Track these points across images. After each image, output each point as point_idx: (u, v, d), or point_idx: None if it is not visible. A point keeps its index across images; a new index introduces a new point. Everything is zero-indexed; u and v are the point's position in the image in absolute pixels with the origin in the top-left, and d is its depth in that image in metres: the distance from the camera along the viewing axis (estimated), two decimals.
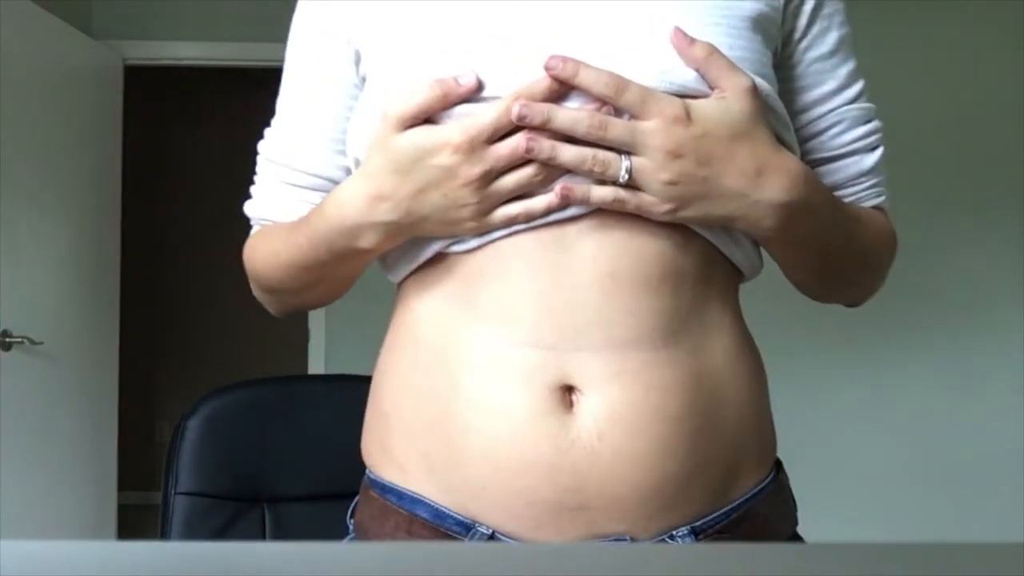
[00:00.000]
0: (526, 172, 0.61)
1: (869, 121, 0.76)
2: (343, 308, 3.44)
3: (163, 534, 1.06)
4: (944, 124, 3.14)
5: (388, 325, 0.81)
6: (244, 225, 0.88)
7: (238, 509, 1.10)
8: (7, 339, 2.51)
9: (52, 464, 2.75)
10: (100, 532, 3.05)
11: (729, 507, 0.66)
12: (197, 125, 4.83)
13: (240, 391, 1.15)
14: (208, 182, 4.81)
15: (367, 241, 0.67)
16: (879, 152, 0.76)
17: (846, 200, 0.75)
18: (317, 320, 3.33)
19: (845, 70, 0.74)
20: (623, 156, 0.60)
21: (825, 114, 0.74)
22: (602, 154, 0.60)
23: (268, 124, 0.86)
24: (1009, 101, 3.16)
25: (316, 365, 3.30)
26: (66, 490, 2.84)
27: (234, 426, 1.12)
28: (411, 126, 0.62)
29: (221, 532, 1.07)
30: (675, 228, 0.63)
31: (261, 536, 1.10)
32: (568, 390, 0.62)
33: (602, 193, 0.60)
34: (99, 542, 0.29)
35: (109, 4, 3.36)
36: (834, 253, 0.73)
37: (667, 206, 0.60)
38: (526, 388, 0.62)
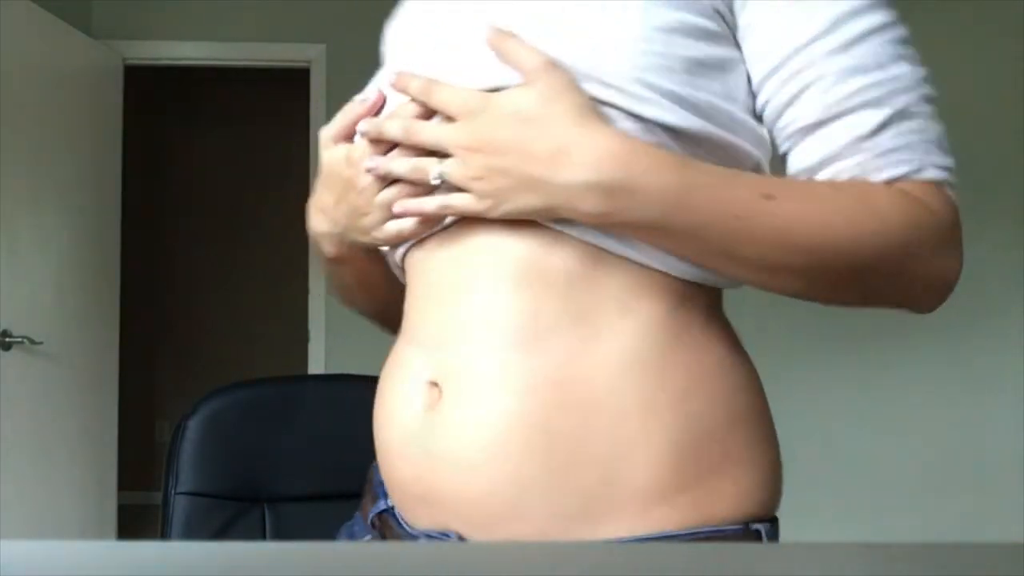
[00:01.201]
0: (393, 187, 0.64)
1: (870, 72, 0.60)
2: (343, 308, 3.44)
3: (163, 534, 1.06)
4: (944, 124, 3.13)
5: None
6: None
7: (238, 509, 1.10)
8: (7, 339, 2.51)
9: (52, 464, 2.75)
10: (100, 532, 3.05)
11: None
12: (197, 125, 4.83)
13: (240, 391, 1.15)
14: (208, 182, 4.82)
15: (327, 249, 0.74)
16: (886, 111, 0.60)
17: (847, 175, 0.61)
18: (317, 320, 3.33)
19: (828, 10, 0.60)
20: (440, 160, 0.60)
21: (800, 66, 0.61)
22: (419, 161, 0.61)
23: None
24: (1009, 101, 3.16)
25: (316, 365, 3.30)
26: (66, 490, 2.84)
27: (234, 426, 1.12)
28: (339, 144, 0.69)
29: (221, 532, 1.07)
30: (539, 228, 0.61)
31: (261, 536, 1.10)
32: (436, 386, 0.64)
33: (429, 204, 0.62)
34: (99, 542, 0.29)
35: (109, 4, 3.36)
36: (751, 243, 0.58)
37: (485, 203, 0.59)
38: (409, 384, 0.66)
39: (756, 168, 0.64)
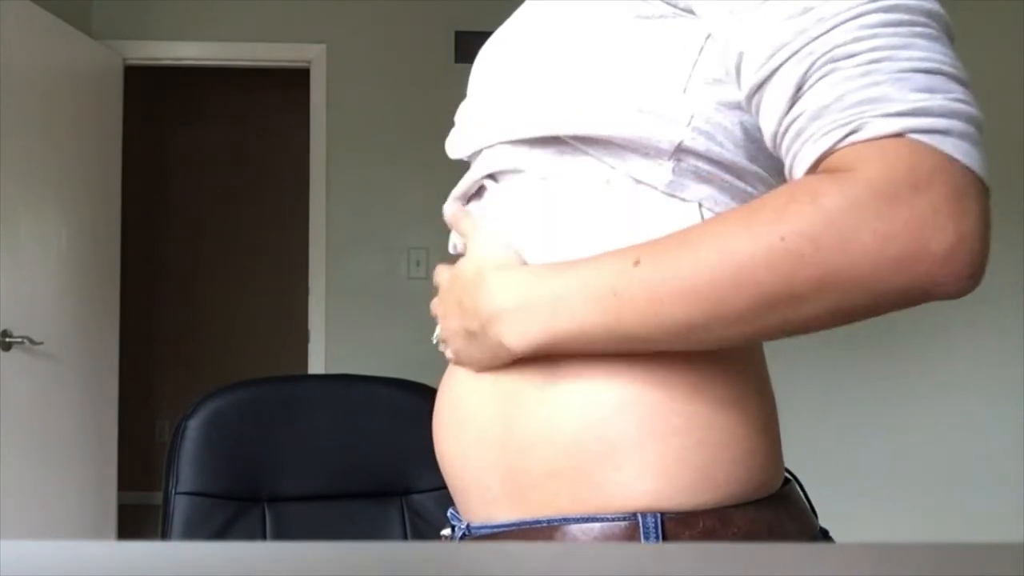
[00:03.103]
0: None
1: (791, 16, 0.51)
2: (343, 308, 3.46)
3: (163, 534, 1.06)
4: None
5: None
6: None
7: (238, 509, 1.10)
8: (7, 339, 2.51)
9: (52, 464, 2.75)
10: (100, 532, 3.05)
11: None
12: (197, 125, 4.83)
13: (240, 391, 1.15)
14: (208, 182, 4.82)
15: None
16: (805, 62, 0.50)
17: (787, 157, 0.53)
18: (317, 320, 3.33)
19: None
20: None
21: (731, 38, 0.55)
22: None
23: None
24: (1009, 101, 3.16)
25: (316, 365, 3.30)
26: (66, 490, 2.84)
27: (234, 426, 1.12)
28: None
29: (221, 532, 1.07)
30: None
31: (261, 536, 1.10)
32: None
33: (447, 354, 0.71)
34: (99, 542, 0.29)
35: (109, 4, 3.36)
36: (649, 313, 0.54)
37: (456, 357, 0.67)
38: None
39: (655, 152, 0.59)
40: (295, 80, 3.58)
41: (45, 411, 2.72)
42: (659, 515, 0.58)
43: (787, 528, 0.61)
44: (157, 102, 4.74)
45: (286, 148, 4.63)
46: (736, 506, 0.59)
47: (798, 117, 0.51)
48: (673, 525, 0.58)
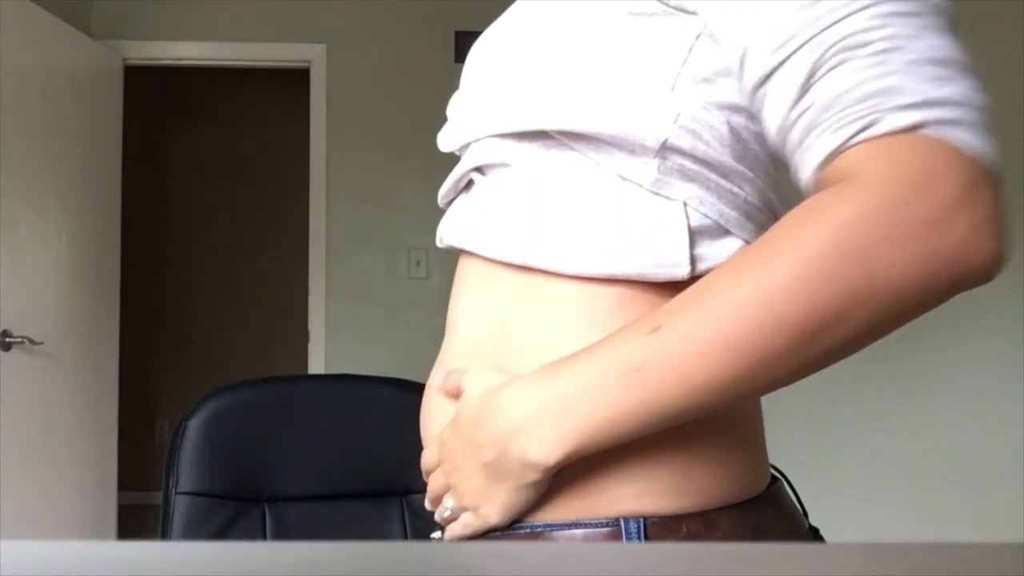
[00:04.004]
0: None
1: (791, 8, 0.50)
2: (343, 308, 3.46)
3: (163, 534, 1.06)
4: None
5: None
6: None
7: (238, 509, 1.10)
8: (7, 339, 2.51)
9: (52, 464, 2.75)
10: (100, 532, 3.05)
11: None
12: (197, 125, 4.83)
13: (240, 391, 1.15)
14: (208, 182, 4.82)
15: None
16: (813, 55, 0.49)
17: (796, 150, 0.52)
18: (317, 320, 3.33)
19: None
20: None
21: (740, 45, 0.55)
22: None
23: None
24: (1008, 101, 3.16)
25: (316, 365, 3.30)
26: (66, 490, 2.84)
27: (234, 426, 1.12)
28: None
29: (221, 532, 1.07)
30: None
31: (261, 536, 1.10)
32: None
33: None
34: (99, 542, 0.29)
35: (109, 4, 3.36)
36: (678, 381, 0.51)
37: (475, 521, 0.61)
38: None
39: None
40: (295, 80, 3.58)
41: (45, 411, 2.72)
42: (642, 520, 0.57)
43: (773, 529, 0.60)
44: (157, 102, 4.74)
45: (286, 148, 4.63)
46: (719, 509, 0.58)
47: (809, 108, 0.50)
48: (656, 530, 0.57)
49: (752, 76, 0.54)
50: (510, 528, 0.60)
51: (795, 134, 0.52)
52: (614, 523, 0.57)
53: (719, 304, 0.50)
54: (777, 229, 0.50)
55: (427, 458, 0.65)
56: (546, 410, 0.54)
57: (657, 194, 0.58)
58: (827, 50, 0.49)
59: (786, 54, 0.51)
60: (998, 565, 0.29)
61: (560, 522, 0.58)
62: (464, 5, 3.29)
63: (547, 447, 0.54)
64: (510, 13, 0.68)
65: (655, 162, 0.58)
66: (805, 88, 0.50)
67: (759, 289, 0.49)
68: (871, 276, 0.47)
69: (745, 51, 0.54)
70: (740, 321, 0.49)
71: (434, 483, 0.63)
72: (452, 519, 0.62)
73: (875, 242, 0.47)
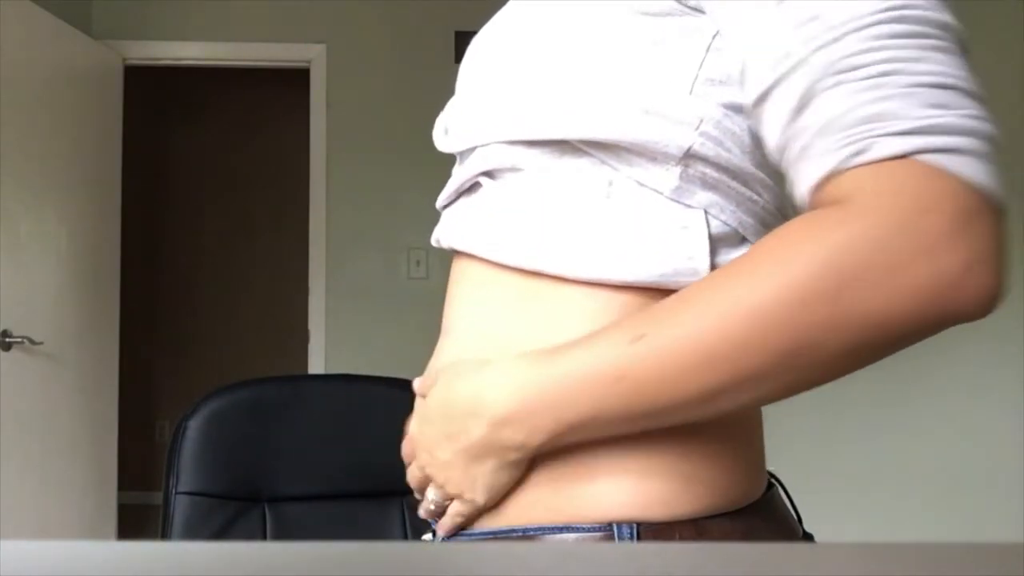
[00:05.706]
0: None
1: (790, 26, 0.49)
2: (343, 308, 3.46)
3: (163, 534, 1.06)
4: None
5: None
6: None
7: (238, 509, 1.10)
8: (7, 339, 2.51)
9: (52, 464, 2.75)
10: (100, 532, 3.05)
11: None
12: (197, 125, 4.83)
13: (240, 391, 1.15)
14: (208, 182, 4.82)
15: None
16: (805, 80, 0.48)
17: (789, 172, 0.52)
18: (317, 320, 3.33)
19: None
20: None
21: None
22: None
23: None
24: (1008, 101, 3.16)
25: (316, 365, 3.30)
26: (66, 490, 2.84)
27: (234, 426, 1.12)
28: None
29: (221, 532, 1.07)
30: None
31: (261, 536, 1.10)
32: None
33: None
34: (99, 542, 0.29)
35: (109, 4, 3.36)
36: (659, 390, 0.51)
37: (460, 508, 0.62)
38: None
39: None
40: (295, 80, 3.58)
41: (45, 411, 2.72)
42: (635, 525, 0.57)
43: (764, 536, 0.60)
44: (157, 102, 4.74)
45: (286, 148, 4.63)
46: (711, 517, 0.58)
47: (802, 131, 0.49)
48: (649, 536, 0.57)
49: (751, 94, 0.53)
50: (501, 531, 0.60)
51: (789, 156, 0.51)
52: (607, 528, 0.57)
53: (704, 318, 0.50)
54: (767, 245, 0.50)
55: (403, 455, 0.66)
56: (529, 399, 0.55)
57: (677, 201, 0.58)
58: (822, 72, 0.48)
59: (781, 73, 0.50)
60: (998, 565, 0.29)
61: (552, 525, 0.58)
62: (464, 5, 3.29)
63: (530, 431, 0.56)
64: (506, 12, 0.67)
65: (677, 169, 0.57)
66: (799, 111, 0.50)
67: (743, 307, 0.49)
68: (860, 301, 0.46)
69: (744, 66, 0.53)
70: (722, 336, 0.49)
71: (411, 478, 0.64)
72: (438, 512, 0.62)
73: (861, 270, 0.46)
